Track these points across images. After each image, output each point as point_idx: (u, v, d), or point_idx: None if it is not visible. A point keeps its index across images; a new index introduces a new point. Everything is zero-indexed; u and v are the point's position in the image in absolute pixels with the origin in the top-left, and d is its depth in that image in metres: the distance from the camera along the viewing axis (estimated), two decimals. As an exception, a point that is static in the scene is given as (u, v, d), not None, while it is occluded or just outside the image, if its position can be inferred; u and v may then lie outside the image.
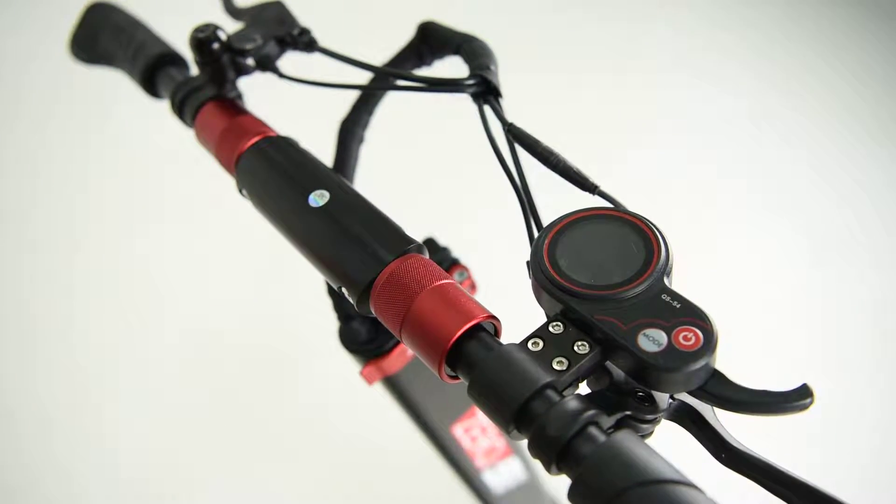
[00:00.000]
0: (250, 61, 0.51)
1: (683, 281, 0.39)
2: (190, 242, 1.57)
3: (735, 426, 0.32)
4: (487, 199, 1.18)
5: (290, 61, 0.53)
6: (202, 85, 0.52)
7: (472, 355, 0.34)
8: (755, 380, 0.30)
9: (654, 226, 0.34)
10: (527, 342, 0.33)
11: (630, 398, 0.33)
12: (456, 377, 0.36)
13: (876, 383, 1.27)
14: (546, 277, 0.34)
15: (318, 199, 0.41)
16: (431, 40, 0.51)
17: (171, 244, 1.58)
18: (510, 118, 0.43)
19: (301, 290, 1.28)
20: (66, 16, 0.77)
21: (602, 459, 0.27)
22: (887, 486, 1.15)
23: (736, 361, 0.45)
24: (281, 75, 0.51)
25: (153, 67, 0.56)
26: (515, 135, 0.42)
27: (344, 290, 0.39)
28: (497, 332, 0.36)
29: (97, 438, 1.31)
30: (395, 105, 0.65)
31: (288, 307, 1.44)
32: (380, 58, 0.53)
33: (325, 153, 0.52)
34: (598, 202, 0.38)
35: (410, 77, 0.47)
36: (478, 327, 0.35)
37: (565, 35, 1.93)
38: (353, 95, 0.54)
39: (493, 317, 0.35)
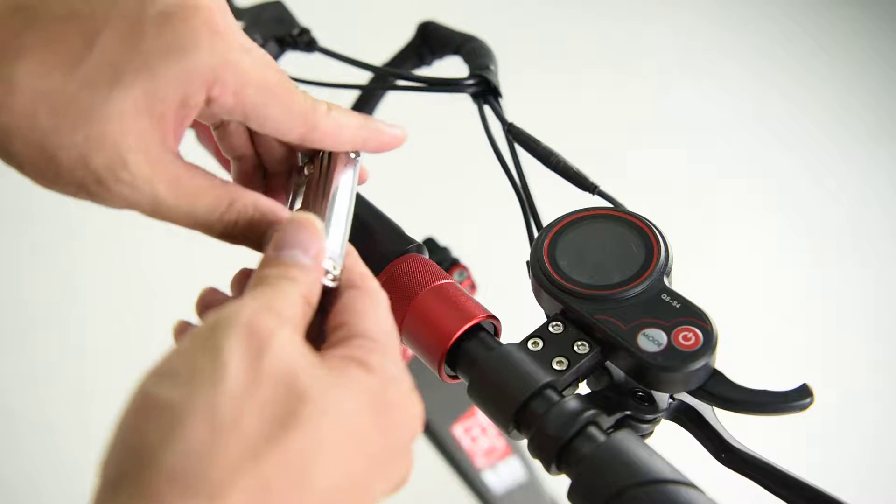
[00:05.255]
0: (250, 61, 0.51)
1: (683, 281, 0.39)
2: (189, 242, 1.57)
3: (735, 426, 0.32)
4: (487, 199, 1.18)
5: (290, 61, 0.53)
6: (202, 85, 0.52)
7: (471, 355, 0.34)
8: (755, 380, 0.30)
9: (654, 226, 0.34)
10: (527, 342, 0.33)
11: (630, 398, 0.33)
12: (456, 377, 0.36)
13: (876, 383, 1.27)
14: (546, 277, 0.34)
15: (318, 198, 0.41)
16: (431, 40, 0.51)
17: (171, 244, 1.58)
18: (510, 118, 0.43)
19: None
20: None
21: (602, 459, 0.27)
22: (887, 487, 1.15)
23: (736, 361, 0.45)
24: (281, 75, 0.51)
25: (153, 67, 0.56)
26: (515, 135, 0.42)
27: (344, 290, 0.39)
28: (497, 332, 0.36)
29: (97, 439, 1.31)
30: (395, 105, 0.64)
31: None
32: (380, 58, 0.53)
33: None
34: (598, 202, 0.38)
35: (410, 77, 0.47)
36: (478, 327, 0.35)
37: (565, 35, 1.93)
38: (353, 95, 0.54)
39: (493, 317, 0.36)
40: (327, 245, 0.29)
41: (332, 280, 0.28)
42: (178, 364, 0.22)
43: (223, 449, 0.20)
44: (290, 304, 0.25)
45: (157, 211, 0.28)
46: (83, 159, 0.25)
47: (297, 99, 0.30)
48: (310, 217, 0.28)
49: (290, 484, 0.21)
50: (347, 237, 0.30)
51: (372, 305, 0.27)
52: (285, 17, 0.52)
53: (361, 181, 0.38)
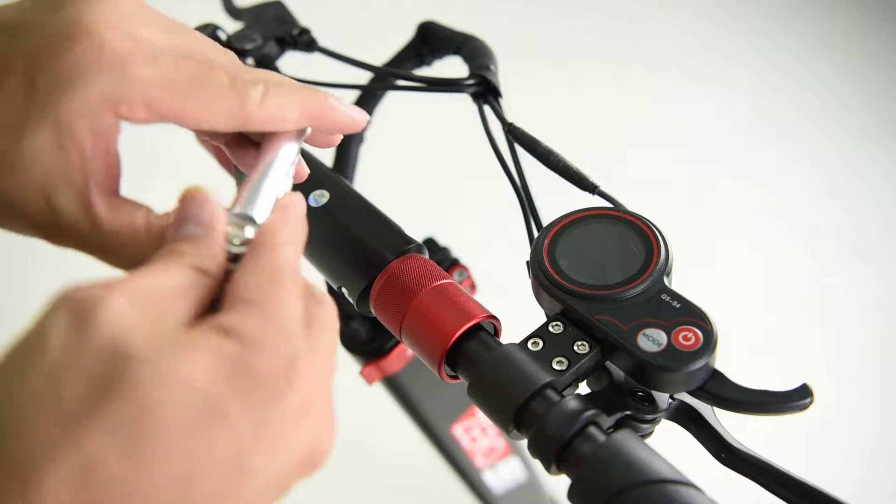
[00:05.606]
0: (250, 61, 0.51)
1: (683, 281, 0.39)
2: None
3: (735, 426, 0.32)
4: (487, 199, 1.18)
5: (290, 61, 0.53)
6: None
7: (471, 355, 0.34)
8: (755, 380, 0.30)
9: (654, 226, 0.34)
10: (527, 342, 0.33)
11: (630, 398, 0.33)
12: (456, 377, 0.36)
13: (876, 383, 1.27)
14: (546, 277, 0.34)
15: (319, 198, 0.41)
16: (431, 40, 0.51)
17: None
18: (510, 118, 0.43)
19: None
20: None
21: (602, 459, 0.27)
22: (887, 486, 1.15)
23: (736, 361, 0.45)
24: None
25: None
26: (515, 135, 0.42)
27: (344, 289, 0.39)
28: (497, 332, 0.36)
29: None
30: (395, 105, 0.64)
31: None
32: (380, 58, 0.53)
33: (325, 153, 0.52)
34: (598, 202, 0.38)
35: (410, 77, 0.47)
36: (478, 327, 0.35)
37: (565, 35, 1.93)
38: (353, 95, 0.55)
39: (493, 317, 0.36)
40: (254, 212, 0.27)
41: (242, 244, 0.26)
42: (10, 350, 0.22)
43: (38, 424, 0.19)
44: (161, 278, 0.23)
45: (87, 251, 0.27)
46: (11, 207, 0.26)
47: (219, 92, 0.28)
48: (197, 188, 0.26)
49: (124, 460, 0.19)
50: (274, 201, 0.29)
51: (255, 266, 0.25)
52: (285, 17, 0.52)
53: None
